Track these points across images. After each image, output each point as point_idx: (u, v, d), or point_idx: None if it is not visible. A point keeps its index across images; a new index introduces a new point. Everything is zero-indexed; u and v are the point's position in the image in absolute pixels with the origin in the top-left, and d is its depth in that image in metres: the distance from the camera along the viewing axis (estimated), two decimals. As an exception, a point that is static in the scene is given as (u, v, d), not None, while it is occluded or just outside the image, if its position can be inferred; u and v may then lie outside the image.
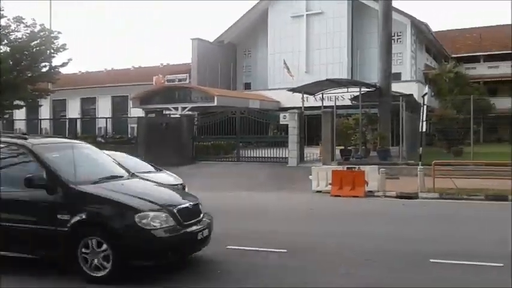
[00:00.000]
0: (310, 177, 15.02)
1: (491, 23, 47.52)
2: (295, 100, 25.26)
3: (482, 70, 41.57)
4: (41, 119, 35.90)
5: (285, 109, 24.33)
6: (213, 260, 6.80)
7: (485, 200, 12.60)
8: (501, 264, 6.35)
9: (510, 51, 40.73)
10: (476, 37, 43.65)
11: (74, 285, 5.67)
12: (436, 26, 40.53)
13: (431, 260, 6.58)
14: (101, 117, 35.99)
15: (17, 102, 27.69)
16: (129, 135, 29.28)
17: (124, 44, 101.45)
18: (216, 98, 28.91)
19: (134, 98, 32.25)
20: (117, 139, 26.69)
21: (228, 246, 7.49)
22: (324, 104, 23.24)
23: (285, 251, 7.18)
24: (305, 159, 20.53)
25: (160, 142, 21.03)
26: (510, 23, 38.69)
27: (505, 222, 9.73)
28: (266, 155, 20.69)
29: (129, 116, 35.39)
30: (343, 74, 33.77)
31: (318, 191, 14.42)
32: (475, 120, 21.88)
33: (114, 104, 41.86)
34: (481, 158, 17.79)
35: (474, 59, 42.65)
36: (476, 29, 44.72)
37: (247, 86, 40.50)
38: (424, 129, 15.20)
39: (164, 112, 31.48)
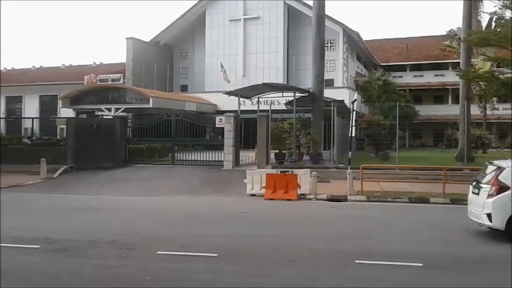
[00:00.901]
0: (245, 180, 15.15)
1: (417, 34, 50.35)
2: (232, 103, 25.35)
3: (408, 79, 44.02)
4: (-41, 119, 33.39)
5: (222, 112, 24.35)
6: (141, 265, 6.68)
7: (408, 203, 13.33)
8: (420, 264, 6.75)
9: (433, 62, 43.63)
10: (403, 47, 46.16)
11: None
12: (366, 35, 42.34)
13: (356, 261, 6.88)
14: (27, 117, 34.06)
15: None
16: (58, 137, 27.92)
17: (54, 40, 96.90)
18: (151, 100, 28.31)
19: (64, 97, 30.79)
20: (44, 141, 25.32)
21: (158, 252, 7.39)
22: (260, 108, 23.56)
23: (216, 254, 7.20)
24: (240, 162, 20.65)
25: (91, 144, 20.27)
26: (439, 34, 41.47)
27: (425, 224, 10.42)
28: (201, 158, 20.57)
29: (58, 116, 33.79)
30: (279, 79, 34.37)
31: (252, 195, 14.58)
32: (401, 126, 23.13)
33: (43, 104, 39.80)
34: (406, 163, 18.82)
35: (401, 68, 45.08)
36: (404, 40, 47.24)
37: (184, 88, 40.02)
38: (353, 134, 15.87)
39: (96, 113, 30.35)
